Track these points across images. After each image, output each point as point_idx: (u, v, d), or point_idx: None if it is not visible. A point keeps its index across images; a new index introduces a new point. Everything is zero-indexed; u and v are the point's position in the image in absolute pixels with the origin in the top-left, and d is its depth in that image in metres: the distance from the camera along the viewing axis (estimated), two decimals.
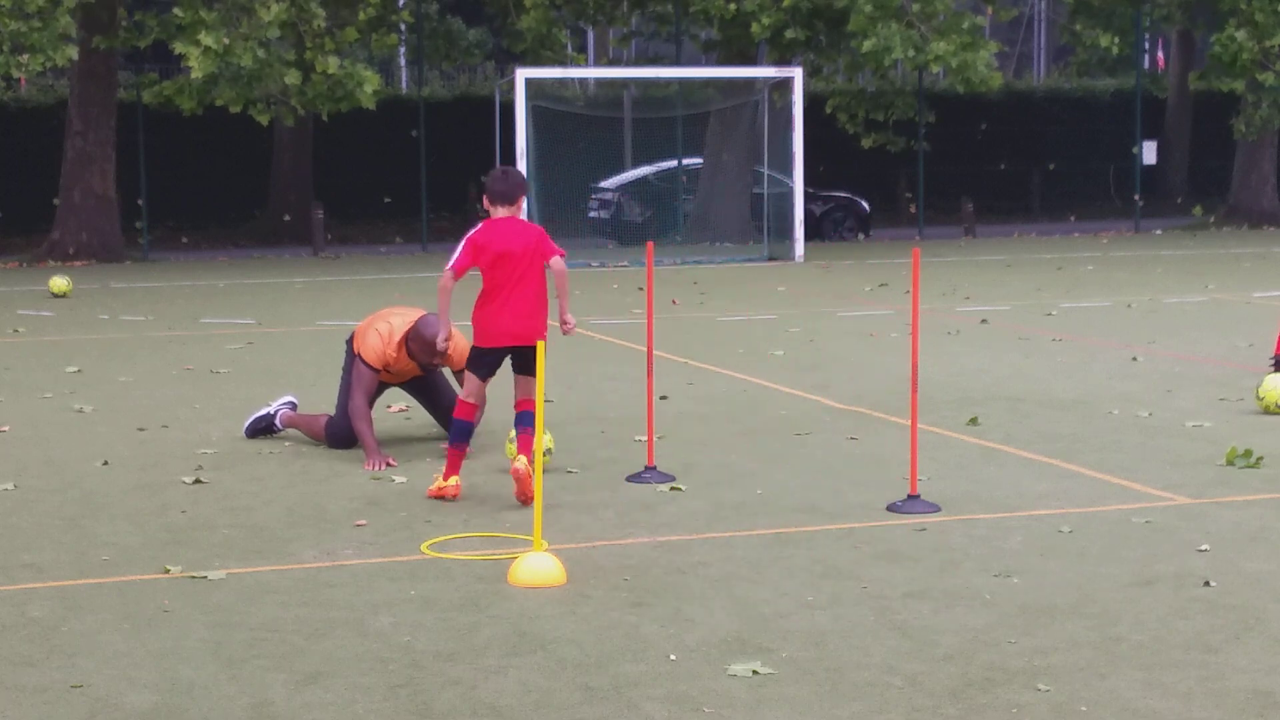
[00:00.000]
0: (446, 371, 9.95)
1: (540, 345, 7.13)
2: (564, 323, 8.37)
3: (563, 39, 30.01)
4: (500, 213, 8.27)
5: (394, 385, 9.89)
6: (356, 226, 32.06)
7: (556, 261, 8.23)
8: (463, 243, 8.23)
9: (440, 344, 8.74)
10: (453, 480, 8.29)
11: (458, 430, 8.36)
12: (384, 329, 9.51)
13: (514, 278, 8.14)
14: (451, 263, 8.20)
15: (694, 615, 6.25)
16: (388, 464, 9.14)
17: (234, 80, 24.81)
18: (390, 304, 11.14)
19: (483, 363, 8.31)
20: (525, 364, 8.20)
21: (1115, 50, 30.49)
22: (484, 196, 8.35)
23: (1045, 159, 36.78)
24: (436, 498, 8.28)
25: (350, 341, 9.74)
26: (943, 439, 9.83)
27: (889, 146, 30.25)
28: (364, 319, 9.96)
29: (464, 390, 8.39)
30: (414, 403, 10.49)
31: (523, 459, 8.02)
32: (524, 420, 8.20)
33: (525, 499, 8.04)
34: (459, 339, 9.44)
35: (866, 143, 30.21)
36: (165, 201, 29.80)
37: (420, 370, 9.70)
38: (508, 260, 8.14)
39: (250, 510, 8.15)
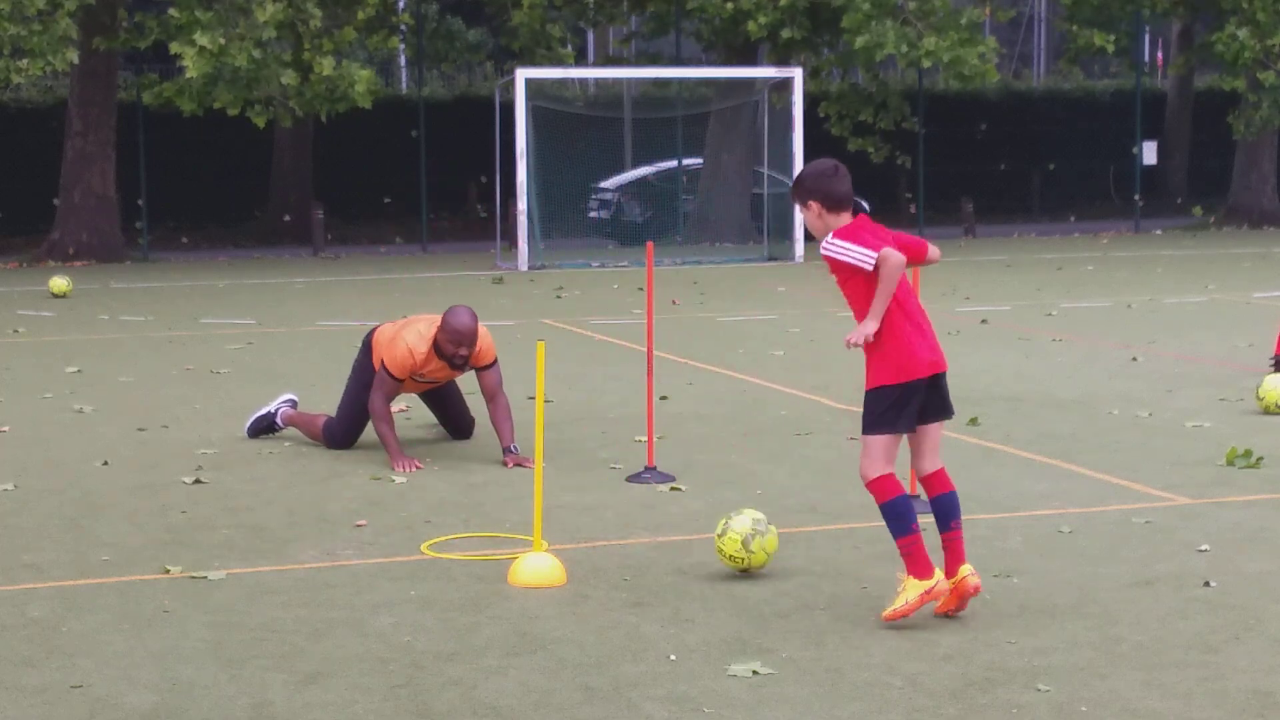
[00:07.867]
0: (456, 379, 9.82)
1: (540, 345, 7.06)
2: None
3: (558, 34, 29.94)
4: (845, 220, 6.26)
5: (408, 392, 9.79)
6: (356, 226, 32.06)
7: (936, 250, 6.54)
8: (851, 239, 6.19)
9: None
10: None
11: (900, 514, 6.14)
12: (412, 338, 9.20)
13: (909, 291, 6.40)
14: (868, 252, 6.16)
15: (694, 615, 6.24)
16: (415, 466, 9.04)
17: (232, 82, 24.81)
18: (389, 304, 11.11)
19: (904, 406, 6.30)
20: (941, 404, 6.36)
21: (1111, 47, 30.44)
22: (814, 200, 6.24)
23: (1045, 159, 36.76)
24: (902, 615, 6.04)
25: (368, 341, 9.61)
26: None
27: (872, 156, 29.91)
28: (388, 322, 9.81)
29: (875, 462, 6.26)
30: (414, 401, 10.48)
31: (969, 570, 6.14)
32: (949, 510, 6.23)
33: (957, 608, 6.17)
34: (485, 333, 9.25)
35: (851, 146, 29.99)
36: (165, 201, 29.80)
37: (444, 377, 9.53)
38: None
39: (250, 510, 8.15)
